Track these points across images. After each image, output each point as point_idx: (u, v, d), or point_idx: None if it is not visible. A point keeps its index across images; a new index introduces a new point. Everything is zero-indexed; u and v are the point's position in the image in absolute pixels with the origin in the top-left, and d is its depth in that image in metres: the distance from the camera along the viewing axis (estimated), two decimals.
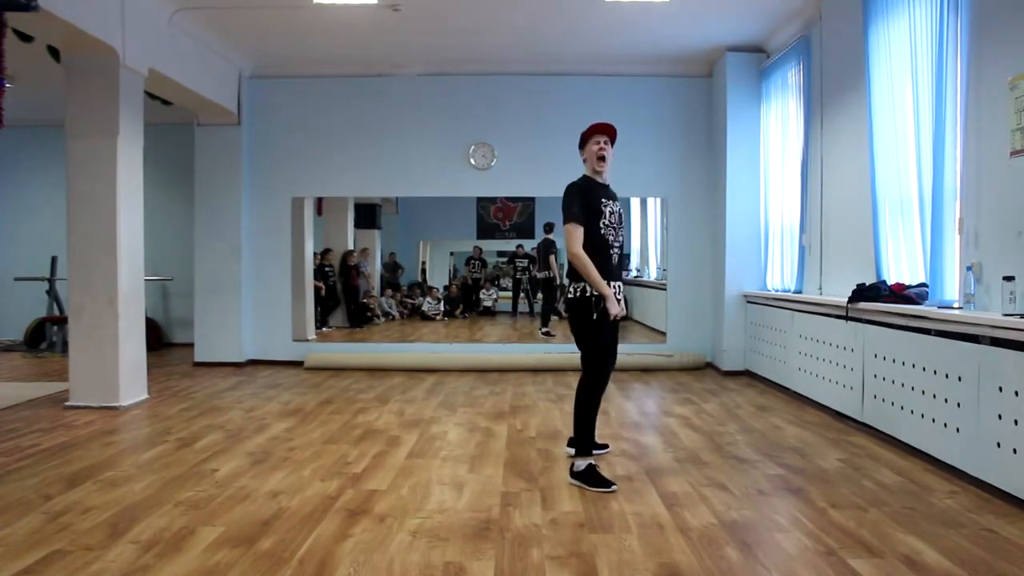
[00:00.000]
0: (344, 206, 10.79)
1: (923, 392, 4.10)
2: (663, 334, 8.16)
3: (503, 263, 14.13)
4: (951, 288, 4.27)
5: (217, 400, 6.01)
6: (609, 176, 3.93)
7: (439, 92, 8.09)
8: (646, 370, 7.57)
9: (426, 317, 12.12)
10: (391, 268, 12.74)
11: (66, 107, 5.61)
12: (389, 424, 5.12)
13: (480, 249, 13.10)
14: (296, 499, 3.45)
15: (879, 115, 5.02)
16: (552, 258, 10.02)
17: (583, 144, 3.94)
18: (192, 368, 7.81)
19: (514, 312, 12.73)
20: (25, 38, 5.35)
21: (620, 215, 3.89)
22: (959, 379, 3.76)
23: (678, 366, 7.70)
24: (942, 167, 4.24)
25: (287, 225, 8.22)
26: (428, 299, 12.37)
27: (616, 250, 3.83)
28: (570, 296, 3.79)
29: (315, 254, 10.62)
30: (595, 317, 3.71)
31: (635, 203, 11.12)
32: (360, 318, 11.02)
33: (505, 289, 13.39)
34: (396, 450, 4.39)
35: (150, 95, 6.73)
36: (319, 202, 9.97)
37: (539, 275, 10.37)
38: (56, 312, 9.15)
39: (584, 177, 3.88)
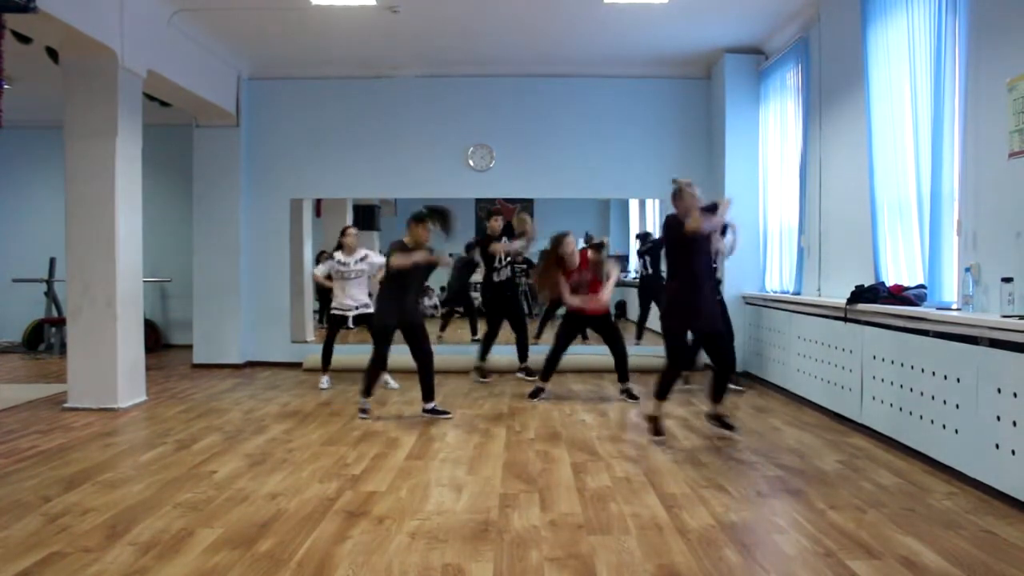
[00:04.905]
0: (343, 208, 10.72)
1: (922, 393, 4.10)
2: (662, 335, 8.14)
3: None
4: (949, 289, 4.27)
5: (216, 402, 6.00)
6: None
7: (438, 93, 8.09)
8: (645, 371, 7.55)
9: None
10: None
11: (64, 108, 5.60)
12: (388, 426, 5.11)
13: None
14: (295, 501, 3.45)
15: (878, 116, 5.02)
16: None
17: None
18: (191, 370, 7.81)
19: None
20: (23, 39, 5.34)
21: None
22: (957, 380, 3.76)
23: None
24: (940, 168, 4.24)
25: (285, 226, 8.23)
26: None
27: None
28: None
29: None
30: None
31: (634, 204, 11.10)
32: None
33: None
34: (395, 452, 4.39)
35: (149, 96, 6.72)
36: (318, 203, 9.95)
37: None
38: (54, 313, 9.13)
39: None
